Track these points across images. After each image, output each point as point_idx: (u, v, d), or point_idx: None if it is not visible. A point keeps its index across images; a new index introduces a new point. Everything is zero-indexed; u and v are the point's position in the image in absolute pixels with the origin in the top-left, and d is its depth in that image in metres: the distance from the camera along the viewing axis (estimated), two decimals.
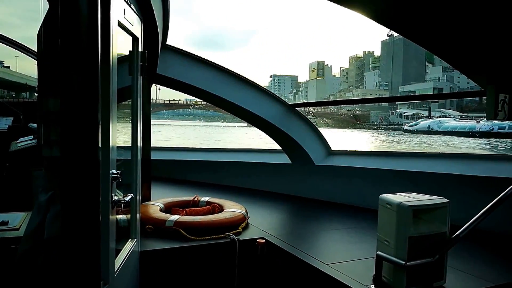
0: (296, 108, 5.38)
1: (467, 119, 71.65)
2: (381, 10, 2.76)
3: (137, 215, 3.22)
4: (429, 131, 64.59)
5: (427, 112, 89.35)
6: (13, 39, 8.71)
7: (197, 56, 4.85)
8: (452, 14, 2.57)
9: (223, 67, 4.96)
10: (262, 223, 4.15)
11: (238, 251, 3.54)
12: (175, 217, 3.78)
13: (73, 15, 1.96)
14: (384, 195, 2.76)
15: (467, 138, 51.63)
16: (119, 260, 2.62)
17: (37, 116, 4.80)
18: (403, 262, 2.54)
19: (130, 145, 3.15)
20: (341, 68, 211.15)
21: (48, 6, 2.47)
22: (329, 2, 2.67)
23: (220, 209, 4.22)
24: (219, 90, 4.92)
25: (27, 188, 4.14)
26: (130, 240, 3.07)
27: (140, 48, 3.09)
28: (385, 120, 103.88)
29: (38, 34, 2.83)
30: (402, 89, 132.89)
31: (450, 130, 60.85)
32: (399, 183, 4.56)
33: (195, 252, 3.48)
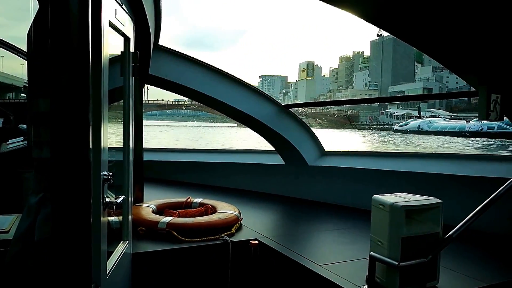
0: (289, 109, 5.38)
1: (456, 119, 72.35)
2: (372, 9, 2.76)
3: (129, 216, 3.20)
4: (419, 131, 65.08)
5: (417, 112, 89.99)
6: (1, 38, 8.61)
7: (190, 56, 4.83)
8: (444, 14, 2.57)
9: (216, 67, 4.94)
10: (255, 224, 4.14)
11: (231, 252, 3.53)
12: (167, 218, 3.75)
13: (63, 15, 1.94)
14: (377, 196, 2.76)
15: (460, 138, 52.07)
16: (111, 262, 2.59)
17: (27, 117, 4.75)
18: (396, 263, 2.54)
19: (122, 146, 3.12)
20: (331, 69, 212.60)
21: (38, 5, 2.44)
22: (320, 2, 2.66)
23: (213, 210, 4.20)
24: (212, 91, 4.91)
25: (17, 190, 4.10)
26: (122, 242, 3.04)
27: (132, 49, 3.07)
28: (374, 120, 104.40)
29: (28, 34, 2.79)
30: (392, 89, 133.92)
31: (440, 130, 61.44)
32: (392, 183, 4.58)
33: (188, 254, 3.46)
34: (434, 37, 2.90)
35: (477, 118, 56.74)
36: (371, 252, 2.74)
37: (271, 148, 5.77)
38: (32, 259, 2.37)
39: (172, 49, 4.70)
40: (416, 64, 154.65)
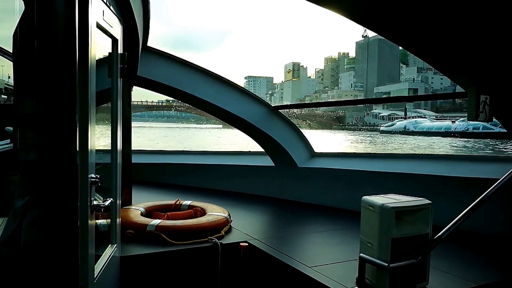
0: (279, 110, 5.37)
1: (442, 119, 73.12)
2: (359, 8, 2.75)
3: (117, 219, 3.16)
4: (405, 132, 65.64)
5: (402, 113, 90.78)
6: None
7: (179, 58, 4.80)
8: (432, 14, 2.58)
9: (205, 69, 4.92)
10: (245, 227, 4.12)
11: (221, 255, 3.51)
12: (156, 221, 3.73)
13: (50, 16, 1.92)
14: (366, 197, 2.76)
15: (448, 138, 52.56)
16: (99, 266, 2.56)
17: (13, 119, 4.67)
18: (386, 264, 2.54)
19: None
20: (316, 70, 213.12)
21: (23, 6, 2.40)
22: (306, 2, 2.65)
23: (203, 212, 4.18)
24: (202, 93, 4.89)
25: (3, 194, 4.03)
26: (110, 245, 3.01)
27: (120, 50, 3.04)
28: (360, 121, 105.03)
29: (13, 35, 2.75)
30: (377, 90, 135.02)
31: (426, 130, 62.06)
32: (382, 184, 4.60)
33: (177, 256, 3.43)
34: (422, 36, 2.91)
35: (462, 119, 57.58)
36: (361, 254, 2.74)
37: (261, 149, 5.75)
38: (18, 263, 2.34)
39: (161, 51, 4.67)
40: (401, 65, 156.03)
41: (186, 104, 6.47)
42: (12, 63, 2.53)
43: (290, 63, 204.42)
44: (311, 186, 5.38)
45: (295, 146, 5.50)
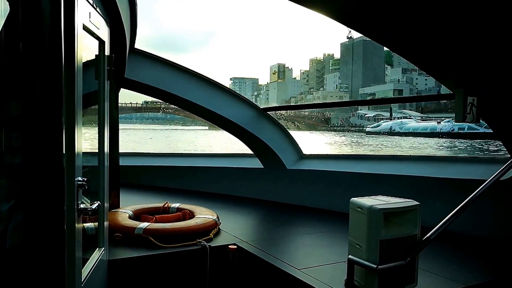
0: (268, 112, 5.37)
1: (427, 120, 73.81)
2: (343, 9, 2.75)
3: (105, 223, 3.13)
4: (391, 133, 66.11)
5: (388, 114, 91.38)
6: None
7: (167, 60, 4.77)
8: (418, 15, 2.58)
9: (194, 71, 4.90)
10: (234, 229, 4.11)
11: (210, 257, 3.50)
12: (144, 224, 3.70)
13: (35, 17, 1.90)
14: (355, 199, 2.77)
15: (435, 138, 53.03)
16: (86, 269, 2.53)
17: None
18: (375, 266, 2.56)
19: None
20: (302, 71, 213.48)
21: (8, 7, 2.37)
22: (289, 2, 2.64)
23: (191, 215, 4.16)
24: (190, 95, 4.86)
25: None
26: (97, 248, 2.98)
27: (107, 52, 3.01)
28: (346, 122, 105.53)
29: None
30: (363, 91, 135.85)
31: (412, 131, 62.55)
32: (371, 186, 4.61)
33: (166, 260, 3.41)
34: (409, 38, 2.92)
35: (447, 119, 58.19)
36: (350, 256, 2.75)
37: (250, 151, 5.74)
38: (4, 267, 2.30)
39: (148, 52, 4.64)
40: (386, 66, 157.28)
41: (174, 106, 6.43)
42: None
43: (276, 64, 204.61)
44: (300, 188, 5.38)
45: (284, 148, 5.50)
